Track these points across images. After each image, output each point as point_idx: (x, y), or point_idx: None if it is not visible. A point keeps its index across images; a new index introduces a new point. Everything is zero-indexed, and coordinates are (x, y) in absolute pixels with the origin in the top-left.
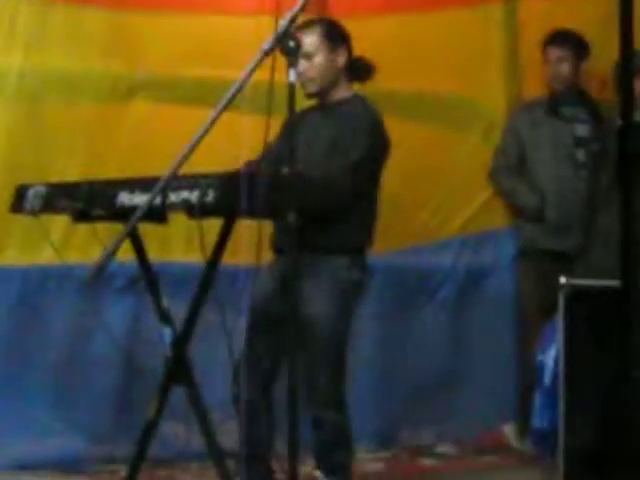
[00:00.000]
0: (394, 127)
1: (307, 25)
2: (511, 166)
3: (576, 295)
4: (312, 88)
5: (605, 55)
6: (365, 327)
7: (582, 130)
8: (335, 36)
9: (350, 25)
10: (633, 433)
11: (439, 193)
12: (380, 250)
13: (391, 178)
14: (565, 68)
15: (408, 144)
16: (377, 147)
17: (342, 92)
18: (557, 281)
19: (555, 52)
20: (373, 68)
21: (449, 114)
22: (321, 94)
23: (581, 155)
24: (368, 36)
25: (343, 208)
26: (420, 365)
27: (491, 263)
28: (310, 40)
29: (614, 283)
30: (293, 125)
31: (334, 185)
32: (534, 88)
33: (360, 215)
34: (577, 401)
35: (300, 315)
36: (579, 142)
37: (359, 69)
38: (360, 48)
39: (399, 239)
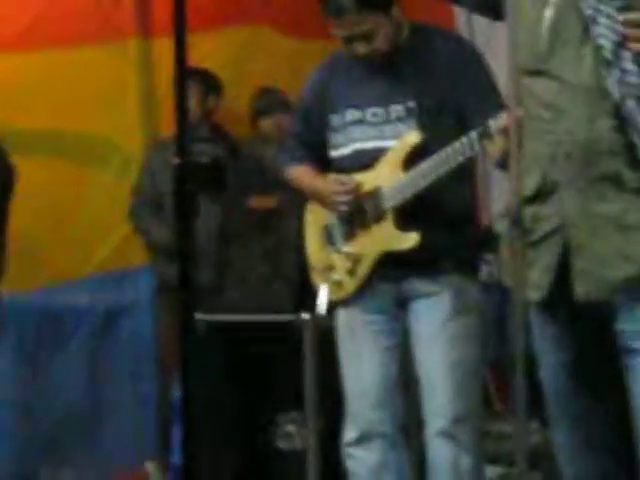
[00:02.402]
0: (25, 165)
1: None
2: (147, 204)
3: (211, 330)
4: None
5: (241, 93)
6: (4, 367)
7: None
8: None
9: None
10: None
11: (75, 231)
12: (17, 289)
13: (23, 216)
14: (193, 104)
15: (41, 182)
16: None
17: None
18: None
19: None
20: None
21: (85, 151)
22: None
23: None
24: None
25: None
26: (59, 407)
27: (130, 301)
28: None
29: (248, 318)
30: None
31: None
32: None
33: None
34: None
35: None
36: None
37: None
38: None
39: (35, 278)
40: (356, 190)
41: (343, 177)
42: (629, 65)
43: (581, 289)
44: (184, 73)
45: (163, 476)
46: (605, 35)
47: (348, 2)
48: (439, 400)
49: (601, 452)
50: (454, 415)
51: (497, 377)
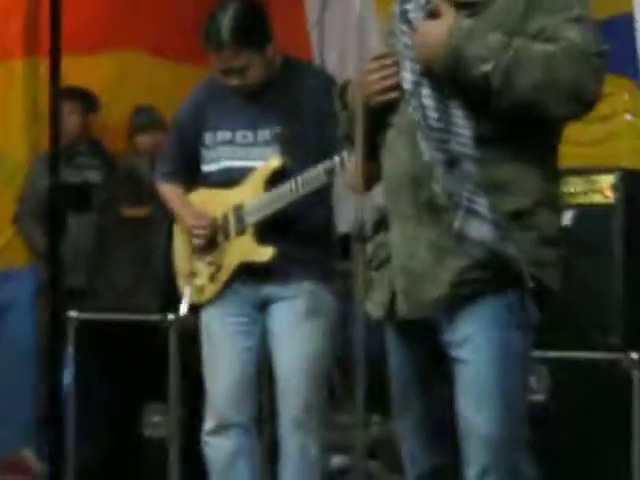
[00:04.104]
0: None
1: None
2: (30, 212)
3: (85, 328)
4: None
5: (119, 109)
6: None
7: (94, 176)
8: None
9: None
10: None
11: None
12: None
13: None
14: (73, 120)
15: None
16: None
17: None
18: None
19: (64, 106)
20: None
21: None
22: None
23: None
24: None
25: None
26: None
27: (13, 299)
28: None
29: (117, 317)
30: None
31: None
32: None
33: None
34: (88, 420)
35: None
36: (90, 187)
37: None
38: None
39: None
40: (212, 225)
41: (201, 212)
42: (427, 100)
43: (403, 308)
44: (57, 101)
45: (41, 462)
46: (408, 69)
47: (227, 39)
48: (292, 391)
49: (441, 445)
50: (305, 405)
51: (344, 374)
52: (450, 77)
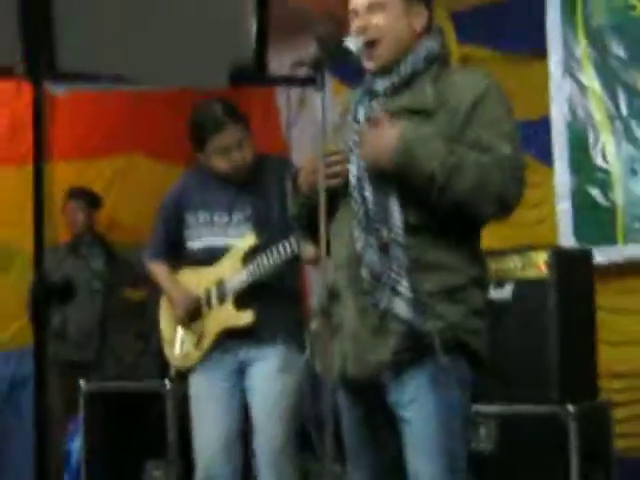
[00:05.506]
0: None
1: None
2: None
3: (94, 396)
4: None
5: (121, 208)
6: None
7: (96, 264)
8: None
9: None
10: None
11: None
12: None
13: None
14: (79, 216)
15: None
16: None
17: None
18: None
19: (72, 204)
20: None
21: None
22: None
23: (96, 284)
24: None
25: None
26: None
27: (29, 374)
28: None
29: (123, 385)
30: None
31: None
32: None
33: None
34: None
35: None
36: (95, 274)
37: None
38: None
39: None
40: (195, 300)
41: (186, 288)
42: (368, 193)
43: (354, 370)
44: (41, 206)
45: None
46: (354, 163)
47: (225, 117)
48: (268, 435)
49: None
50: (280, 449)
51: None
52: (399, 175)
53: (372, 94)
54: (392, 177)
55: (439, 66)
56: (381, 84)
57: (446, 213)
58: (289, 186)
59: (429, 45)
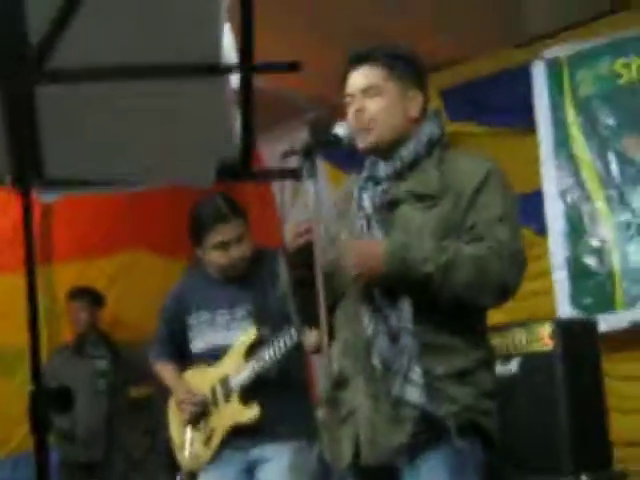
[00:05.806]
0: None
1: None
2: None
3: None
4: None
5: (125, 305)
6: None
7: (101, 364)
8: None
9: None
10: None
11: None
12: None
13: None
14: (82, 316)
15: None
16: None
17: None
18: None
19: (74, 304)
20: None
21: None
22: None
23: (101, 384)
24: None
25: None
26: None
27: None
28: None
29: None
30: None
31: None
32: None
33: None
34: None
35: None
36: (100, 374)
37: None
38: None
39: None
40: (201, 400)
41: (191, 389)
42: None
43: (366, 455)
44: (36, 311)
45: None
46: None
47: (228, 211)
48: None
49: None
50: None
51: None
52: (396, 280)
53: (375, 180)
54: (389, 285)
55: (441, 149)
56: (383, 169)
57: (448, 306)
58: (282, 267)
59: (430, 130)
